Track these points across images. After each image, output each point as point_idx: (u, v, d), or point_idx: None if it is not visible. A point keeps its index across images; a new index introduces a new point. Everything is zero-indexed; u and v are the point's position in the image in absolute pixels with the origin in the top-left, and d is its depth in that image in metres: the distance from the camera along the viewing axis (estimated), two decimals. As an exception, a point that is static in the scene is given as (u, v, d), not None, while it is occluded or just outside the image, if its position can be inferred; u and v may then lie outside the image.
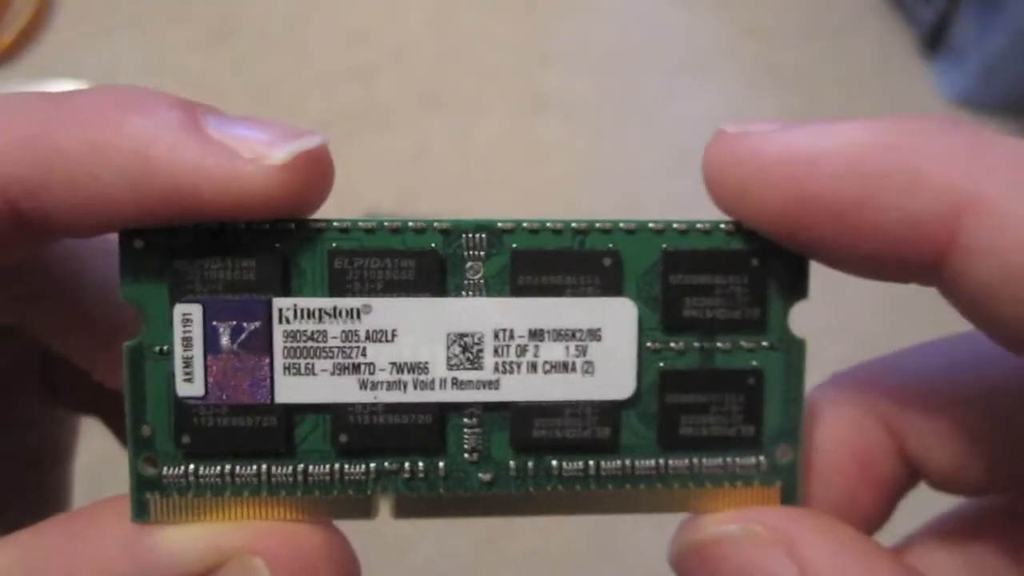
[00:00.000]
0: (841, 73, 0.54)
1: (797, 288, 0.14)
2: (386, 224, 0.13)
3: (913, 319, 0.52)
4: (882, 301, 0.51)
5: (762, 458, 0.14)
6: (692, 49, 0.55)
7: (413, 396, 0.13)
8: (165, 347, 0.13)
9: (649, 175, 0.52)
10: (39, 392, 0.17)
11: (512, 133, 0.53)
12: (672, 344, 0.14)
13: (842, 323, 0.51)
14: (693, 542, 0.13)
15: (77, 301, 0.15)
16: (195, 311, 0.12)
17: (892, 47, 0.55)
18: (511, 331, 0.13)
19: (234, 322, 0.13)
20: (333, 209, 0.13)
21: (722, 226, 0.13)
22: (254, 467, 0.13)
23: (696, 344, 0.14)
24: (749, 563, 0.13)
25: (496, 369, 0.13)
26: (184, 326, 0.13)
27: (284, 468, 0.13)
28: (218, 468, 0.13)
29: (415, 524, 0.50)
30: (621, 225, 0.13)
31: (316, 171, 0.12)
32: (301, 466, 0.13)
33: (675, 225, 0.13)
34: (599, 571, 0.48)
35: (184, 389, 0.13)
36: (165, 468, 0.13)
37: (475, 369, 0.13)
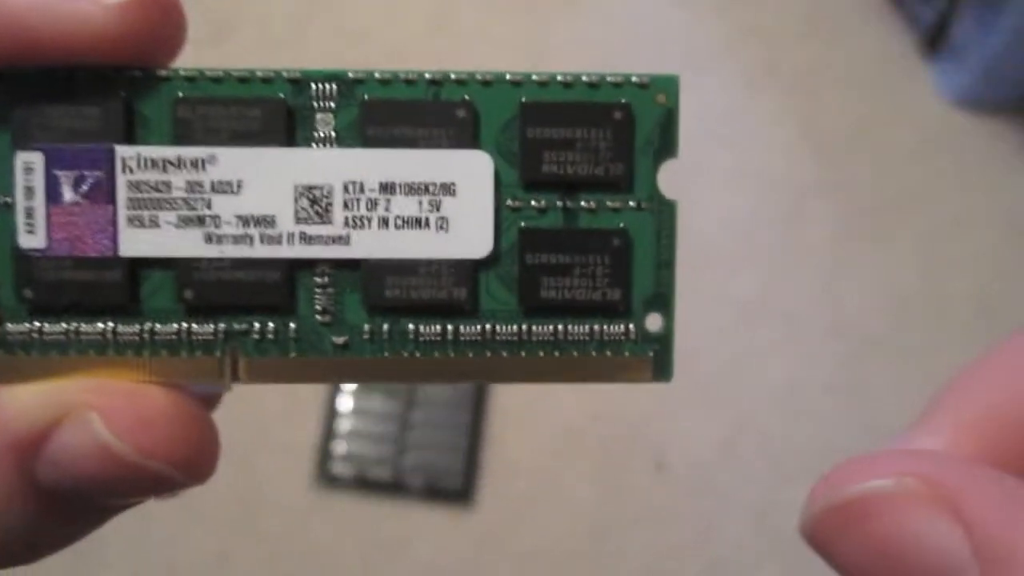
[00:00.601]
0: (841, 73, 0.54)
1: (665, 145, 0.13)
2: (233, 74, 0.13)
3: (913, 319, 0.52)
4: (883, 301, 0.51)
5: (631, 326, 0.13)
6: (692, 49, 0.55)
7: (260, 251, 0.12)
8: (7, 198, 0.12)
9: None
10: None
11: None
12: (533, 202, 0.13)
13: (843, 322, 0.51)
14: (835, 501, 0.11)
15: None
16: (37, 159, 0.12)
17: (892, 47, 0.55)
18: (361, 184, 0.12)
19: (76, 171, 0.12)
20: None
21: (584, 78, 0.13)
22: (99, 325, 0.13)
23: (558, 203, 0.13)
24: (905, 524, 0.11)
25: (346, 224, 0.12)
26: (26, 175, 0.12)
27: (130, 327, 0.13)
28: (62, 325, 0.13)
29: (416, 525, 0.50)
30: (478, 76, 0.13)
31: (157, 14, 0.12)
32: (147, 325, 0.13)
33: (534, 77, 0.13)
34: (599, 571, 0.48)
35: (26, 240, 0.12)
36: (8, 324, 0.13)
37: (324, 224, 0.12)
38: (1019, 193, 0.52)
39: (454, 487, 0.47)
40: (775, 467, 0.49)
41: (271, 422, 0.47)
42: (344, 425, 0.48)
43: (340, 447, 0.48)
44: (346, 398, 0.48)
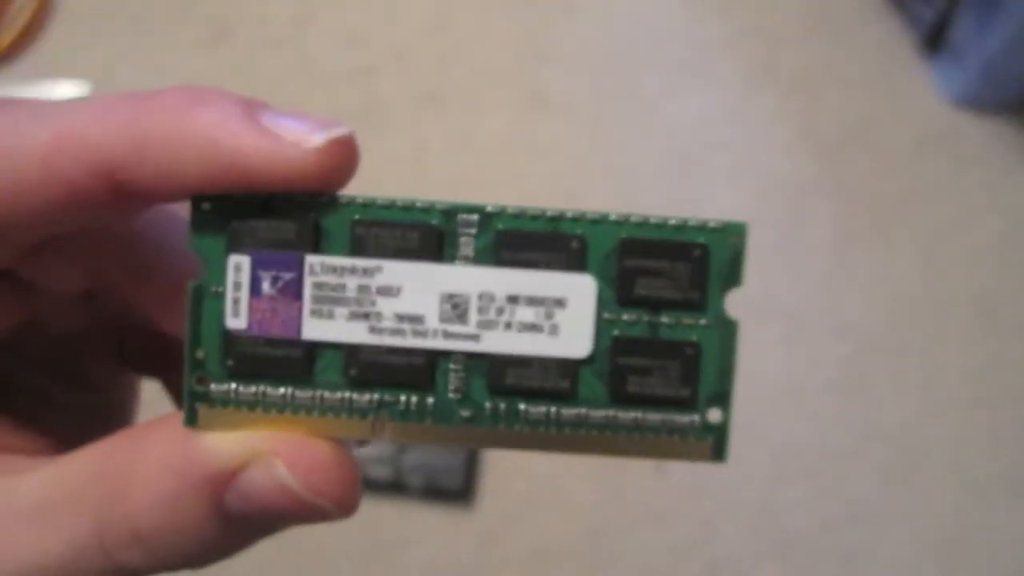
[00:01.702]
0: (841, 73, 0.54)
1: (733, 277, 0.16)
2: (399, 203, 0.16)
3: (913, 319, 0.52)
4: (883, 301, 0.51)
5: (696, 417, 0.16)
6: (692, 49, 0.55)
7: (411, 342, 0.16)
8: (219, 288, 0.16)
9: (648, 174, 0.52)
10: (112, 355, 0.21)
11: (512, 133, 0.53)
12: (625, 316, 0.16)
13: (843, 322, 0.51)
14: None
15: (151, 264, 0.19)
16: (244, 261, 0.16)
17: (892, 47, 0.55)
18: (492, 295, 0.16)
19: (274, 272, 0.16)
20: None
21: (671, 222, 0.16)
22: (281, 389, 0.16)
23: (645, 318, 0.16)
24: None
25: (478, 325, 0.16)
26: (235, 272, 0.16)
27: (304, 392, 0.16)
28: (253, 388, 0.16)
29: (416, 525, 0.49)
30: (588, 216, 0.16)
31: (344, 154, 0.15)
32: (318, 392, 0.16)
33: (632, 219, 0.16)
34: (599, 571, 0.48)
35: (232, 322, 0.16)
36: (212, 385, 0.16)
37: (462, 324, 0.16)
38: (1018, 193, 0.53)
39: (454, 487, 0.47)
40: (775, 467, 0.49)
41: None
42: (344, 425, 0.48)
43: (340, 447, 0.48)
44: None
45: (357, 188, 0.16)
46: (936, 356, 0.51)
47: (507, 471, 0.49)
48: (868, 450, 0.49)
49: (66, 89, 0.51)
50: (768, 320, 0.50)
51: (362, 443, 0.20)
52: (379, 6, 0.56)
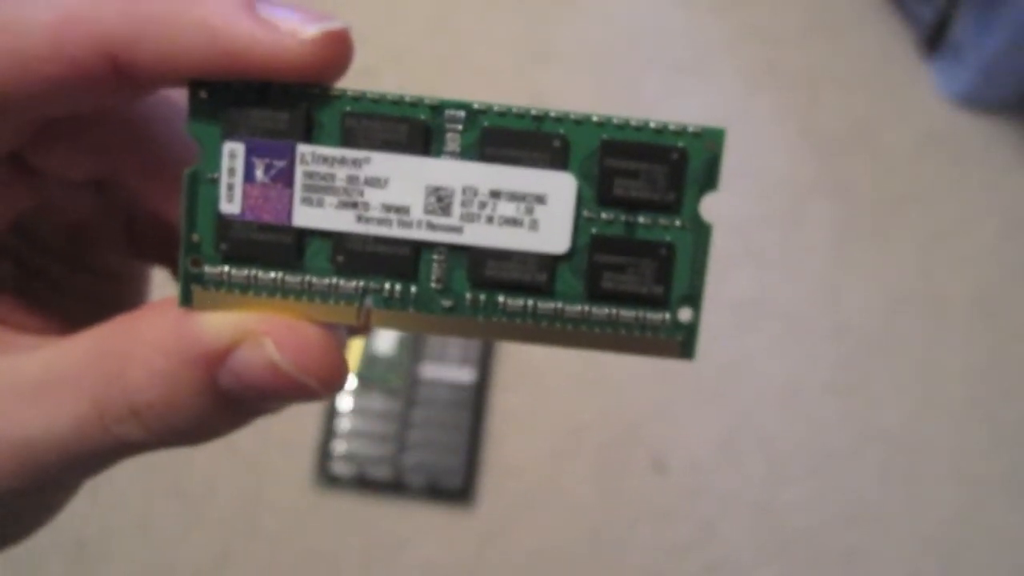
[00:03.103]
0: (841, 73, 0.55)
1: (709, 181, 0.17)
2: (388, 97, 0.17)
3: (914, 319, 0.52)
4: (883, 301, 0.51)
5: (667, 315, 0.17)
6: (692, 49, 0.55)
7: (396, 232, 0.16)
8: (215, 175, 0.16)
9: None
10: (122, 244, 0.22)
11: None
12: (603, 215, 0.17)
13: (843, 322, 0.51)
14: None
15: (155, 152, 0.19)
16: (239, 148, 0.16)
17: (892, 47, 0.55)
18: (476, 189, 0.16)
19: (267, 160, 0.16)
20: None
21: (651, 125, 0.16)
22: (271, 274, 0.17)
23: (622, 218, 0.17)
24: None
25: (461, 218, 0.16)
26: (230, 159, 0.16)
27: (294, 277, 0.17)
28: (245, 271, 0.17)
29: (416, 525, 0.49)
30: (571, 116, 0.17)
31: (337, 47, 0.16)
32: (307, 278, 0.17)
33: (614, 120, 0.16)
34: (599, 571, 0.48)
35: (225, 207, 0.16)
36: (206, 267, 0.17)
37: (445, 216, 0.16)
38: (1018, 193, 0.53)
39: (454, 487, 0.48)
40: (775, 467, 0.49)
41: (272, 421, 0.47)
42: (344, 424, 0.48)
43: (340, 447, 0.48)
44: (346, 397, 0.48)
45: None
46: (935, 356, 0.51)
47: (507, 471, 0.49)
48: (868, 450, 0.49)
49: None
50: (767, 319, 0.50)
51: (352, 331, 0.20)
52: (379, 6, 0.56)
